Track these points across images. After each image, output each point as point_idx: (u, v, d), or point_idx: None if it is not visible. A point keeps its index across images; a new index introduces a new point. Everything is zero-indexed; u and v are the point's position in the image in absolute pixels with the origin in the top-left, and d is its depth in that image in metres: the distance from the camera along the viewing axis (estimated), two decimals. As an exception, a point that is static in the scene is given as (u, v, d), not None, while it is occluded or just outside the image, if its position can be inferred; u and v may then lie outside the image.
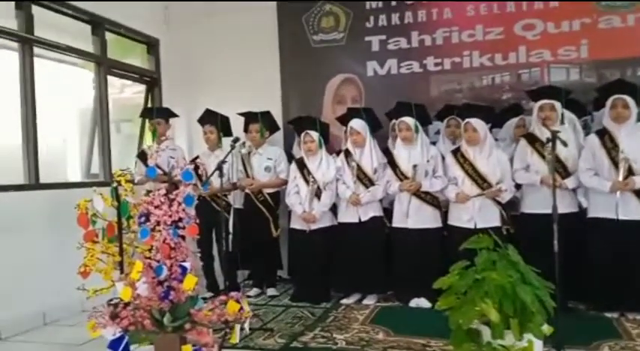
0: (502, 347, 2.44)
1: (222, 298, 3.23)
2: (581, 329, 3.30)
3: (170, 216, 3.10)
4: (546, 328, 2.50)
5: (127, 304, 2.98)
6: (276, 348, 3.25)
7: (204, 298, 4.51)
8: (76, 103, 6.65)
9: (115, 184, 3.47)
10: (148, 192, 4.36)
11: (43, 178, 4.19)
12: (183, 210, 3.14)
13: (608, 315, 3.72)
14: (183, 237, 3.17)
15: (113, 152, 5.06)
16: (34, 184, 4.07)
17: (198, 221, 3.23)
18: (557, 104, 3.86)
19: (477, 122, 3.94)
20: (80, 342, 3.49)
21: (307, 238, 4.38)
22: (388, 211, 4.41)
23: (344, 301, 4.31)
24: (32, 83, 4.17)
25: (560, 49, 4.71)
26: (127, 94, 6.46)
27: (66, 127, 6.54)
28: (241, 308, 3.12)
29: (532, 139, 3.96)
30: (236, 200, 4.83)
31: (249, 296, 4.68)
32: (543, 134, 3.85)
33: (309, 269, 4.40)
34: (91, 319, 2.85)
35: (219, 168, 3.52)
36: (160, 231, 3.09)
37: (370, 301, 4.28)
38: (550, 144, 2.99)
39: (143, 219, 3.19)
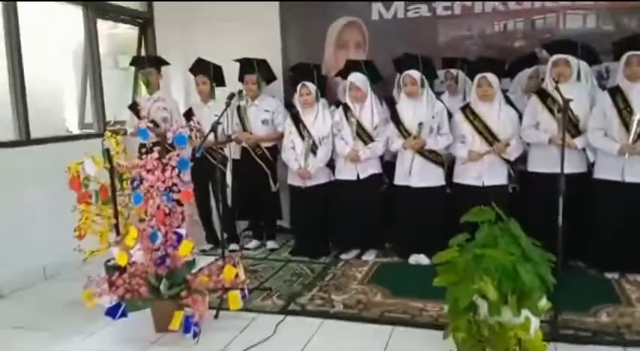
0: (498, 324, 2.42)
1: (219, 263, 3.23)
2: (580, 290, 3.30)
3: (164, 182, 3.01)
4: (544, 304, 2.48)
5: (123, 270, 2.97)
6: (275, 310, 3.27)
7: (204, 250, 4.57)
8: (68, 44, 6.35)
9: (106, 147, 3.35)
10: (142, 146, 4.26)
11: (39, 128, 4.05)
12: (178, 175, 3.06)
13: (609, 276, 3.70)
14: (178, 201, 3.11)
15: (110, 88, 4.84)
16: (24, 140, 3.95)
17: (193, 186, 3.17)
18: (573, 60, 3.64)
19: (492, 77, 3.75)
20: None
21: (304, 195, 4.31)
22: (389, 166, 4.30)
23: (343, 256, 4.30)
24: (17, 28, 3.93)
25: (577, -5, 4.39)
26: (121, 29, 6.16)
27: (60, 71, 6.28)
28: (237, 275, 3.11)
29: (544, 96, 3.77)
30: (233, 151, 4.70)
31: (248, 249, 4.69)
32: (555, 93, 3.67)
33: (308, 225, 4.37)
34: (86, 289, 2.85)
35: (214, 129, 3.37)
36: (153, 196, 3.02)
37: (369, 256, 4.27)
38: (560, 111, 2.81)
39: (136, 184, 3.12)
